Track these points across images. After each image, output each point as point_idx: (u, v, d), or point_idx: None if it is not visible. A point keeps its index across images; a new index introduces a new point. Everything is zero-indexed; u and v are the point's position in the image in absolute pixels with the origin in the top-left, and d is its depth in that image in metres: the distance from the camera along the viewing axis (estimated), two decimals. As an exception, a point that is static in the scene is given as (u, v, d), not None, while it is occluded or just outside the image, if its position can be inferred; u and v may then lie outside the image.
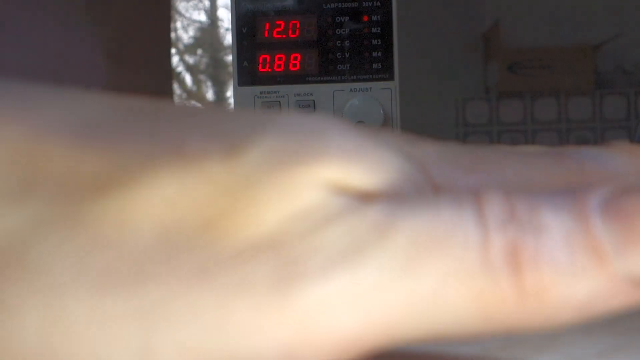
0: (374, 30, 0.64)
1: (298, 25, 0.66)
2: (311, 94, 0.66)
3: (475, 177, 0.16)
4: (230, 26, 0.70)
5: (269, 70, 0.68)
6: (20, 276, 0.13)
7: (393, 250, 0.14)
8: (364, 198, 0.14)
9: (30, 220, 0.13)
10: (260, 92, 0.68)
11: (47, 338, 0.13)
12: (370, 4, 0.64)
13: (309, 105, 0.64)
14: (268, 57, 0.68)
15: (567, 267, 0.14)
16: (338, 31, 0.64)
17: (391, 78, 0.63)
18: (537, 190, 0.15)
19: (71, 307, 0.13)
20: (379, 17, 0.63)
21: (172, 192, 0.13)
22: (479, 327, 0.14)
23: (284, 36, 0.67)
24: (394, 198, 0.14)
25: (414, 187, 0.15)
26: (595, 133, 1.59)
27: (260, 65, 0.68)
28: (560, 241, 0.14)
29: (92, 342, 0.13)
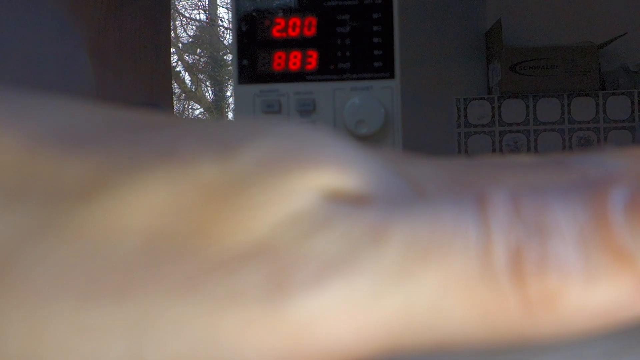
0: (375, 28, 0.63)
1: (298, 24, 0.65)
2: (311, 93, 0.65)
3: (478, 184, 0.15)
4: (229, 25, 0.69)
5: (269, 68, 0.67)
6: (4, 288, 0.12)
7: (388, 255, 0.13)
8: (359, 203, 0.14)
9: (16, 230, 0.13)
10: (260, 91, 0.67)
11: (32, 351, 0.12)
12: (371, 2, 0.63)
13: (309, 104, 0.63)
14: (268, 56, 0.67)
15: (579, 271, 0.13)
16: (339, 29, 0.63)
17: (392, 77, 0.62)
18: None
19: (55, 320, 0.12)
20: (380, 15, 0.62)
21: (160, 197, 0.13)
22: (484, 336, 0.14)
23: (284, 34, 0.66)
24: (390, 202, 0.14)
25: (411, 195, 0.15)
26: (598, 133, 1.59)
27: (260, 63, 0.67)
28: (572, 242, 0.13)
29: (78, 354, 0.12)
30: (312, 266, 0.13)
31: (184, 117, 0.17)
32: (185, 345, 0.12)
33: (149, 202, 0.13)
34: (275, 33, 0.66)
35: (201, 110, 4.90)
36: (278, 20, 0.65)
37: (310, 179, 0.13)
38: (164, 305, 0.12)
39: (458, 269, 0.13)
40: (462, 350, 0.15)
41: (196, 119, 0.17)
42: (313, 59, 0.65)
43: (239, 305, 0.12)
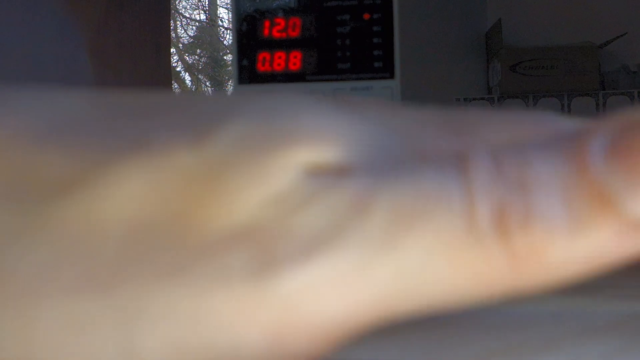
0: (374, 28, 0.63)
1: (298, 24, 0.65)
2: (311, 93, 0.64)
3: (461, 138, 0.15)
4: (229, 25, 0.69)
5: (269, 68, 0.67)
6: None
7: (374, 225, 0.13)
8: (341, 174, 0.14)
9: None
10: (260, 91, 0.67)
11: (25, 346, 0.13)
12: (371, 2, 0.63)
13: (309, 105, 0.63)
14: (268, 56, 0.67)
15: (563, 221, 0.13)
16: (339, 29, 0.63)
17: (392, 77, 0.62)
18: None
19: (46, 313, 0.13)
20: (380, 15, 0.63)
21: (139, 186, 0.13)
22: (474, 294, 0.14)
23: (284, 35, 0.66)
24: (372, 170, 0.14)
25: (395, 159, 0.15)
26: (598, 133, 1.58)
27: (260, 63, 0.67)
28: (554, 194, 0.13)
29: (72, 347, 0.13)
30: (298, 242, 0.13)
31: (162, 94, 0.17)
32: (175, 328, 0.13)
33: (128, 192, 0.13)
34: (275, 33, 0.66)
35: (201, 110, 4.87)
36: (278, 20, 0.65)
37: (289, 155, 0.13)
38: (153, 292, 0.13)
39: (443, 232, 0.13)
40: (455, 307, 0.15)
41: (175, 95, 0.17)
42: (313, 59, 0.65)
43: (227, 285, 0.13)
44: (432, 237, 0.13)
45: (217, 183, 0.13)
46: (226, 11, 5.07)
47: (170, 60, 1.04)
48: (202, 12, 5.27)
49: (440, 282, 0.14)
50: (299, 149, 0.14)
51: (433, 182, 0.14)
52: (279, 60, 0.66)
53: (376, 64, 0.62)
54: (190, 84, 4.99)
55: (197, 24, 5.20)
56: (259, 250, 0.13)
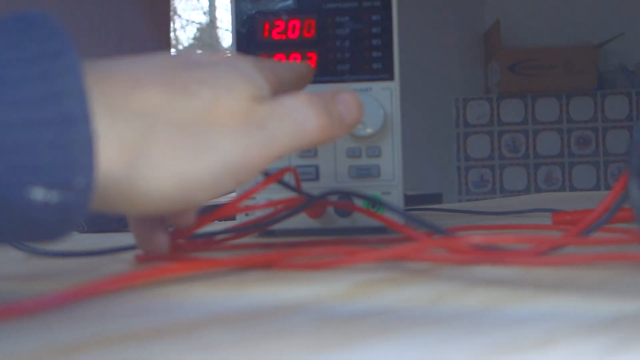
0: (374, 30, 0.63)
1: (298, 26, 0.65)
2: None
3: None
4: (229, 27, 0.69)
5: (269, 70, 0.67)
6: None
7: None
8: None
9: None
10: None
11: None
12: (370, 4, 0.63)
13: (309, 106, 0.64)
14: (267, 58, 0.67)
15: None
16: (338, 31, 0.64)
17: (391, 78, 0.63)
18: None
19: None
20: (379, 17, 0.63)
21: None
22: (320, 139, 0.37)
23: (283, 36, 0.66)
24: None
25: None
26: (596, 133, 1.59)
27: (259, 65, 0.67)
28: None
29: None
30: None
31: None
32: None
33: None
34: (275, 35, 0.66)
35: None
36: (278, 22, 0.66)
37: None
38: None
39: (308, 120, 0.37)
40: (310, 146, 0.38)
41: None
42: (312, 60, 0.65)
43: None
44: (299, 125, 0.36)
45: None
46: (226, 12, 5.06)
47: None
48: (202, 13, 5.27)
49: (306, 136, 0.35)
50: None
51: (297, 102, 0.36)
52: (279, 62, 0.66)
53: (375, 66, 0.63)
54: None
55: (197, 25, 5.21)
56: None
